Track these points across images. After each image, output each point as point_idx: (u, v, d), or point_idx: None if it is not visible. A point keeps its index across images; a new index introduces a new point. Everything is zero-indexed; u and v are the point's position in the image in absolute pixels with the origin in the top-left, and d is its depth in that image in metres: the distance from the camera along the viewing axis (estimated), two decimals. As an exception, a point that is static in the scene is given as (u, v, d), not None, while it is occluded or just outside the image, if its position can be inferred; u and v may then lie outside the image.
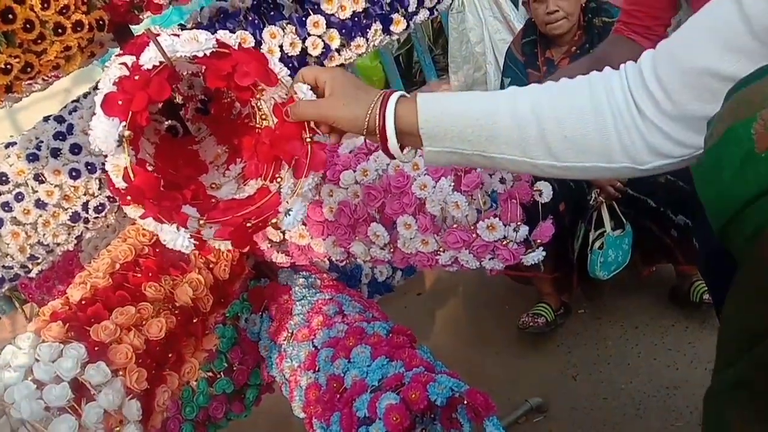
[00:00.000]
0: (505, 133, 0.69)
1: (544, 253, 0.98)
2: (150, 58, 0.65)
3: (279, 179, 0.72)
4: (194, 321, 1.01)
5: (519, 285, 2.42)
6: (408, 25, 1.36)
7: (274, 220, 0.70)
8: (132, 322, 0.88)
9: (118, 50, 1.29)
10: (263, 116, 0.78)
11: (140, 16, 1.12)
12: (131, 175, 0.65)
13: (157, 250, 1.03)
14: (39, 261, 1.18)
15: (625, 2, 1.22)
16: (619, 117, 0.64)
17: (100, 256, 1.00)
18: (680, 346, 2.01)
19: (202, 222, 0.68)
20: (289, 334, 1.16)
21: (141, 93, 0.62)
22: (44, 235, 1.13)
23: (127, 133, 0.63)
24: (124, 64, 0.68)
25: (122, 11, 1.06)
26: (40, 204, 1.11)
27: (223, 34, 0.73)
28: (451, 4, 1.52)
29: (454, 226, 0.96)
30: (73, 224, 1.14)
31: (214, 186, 0.83)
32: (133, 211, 0.68)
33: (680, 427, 1.76)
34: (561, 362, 2.15)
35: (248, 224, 0.68)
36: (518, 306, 2.43)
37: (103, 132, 0.65)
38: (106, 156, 0.92)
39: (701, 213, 1.32)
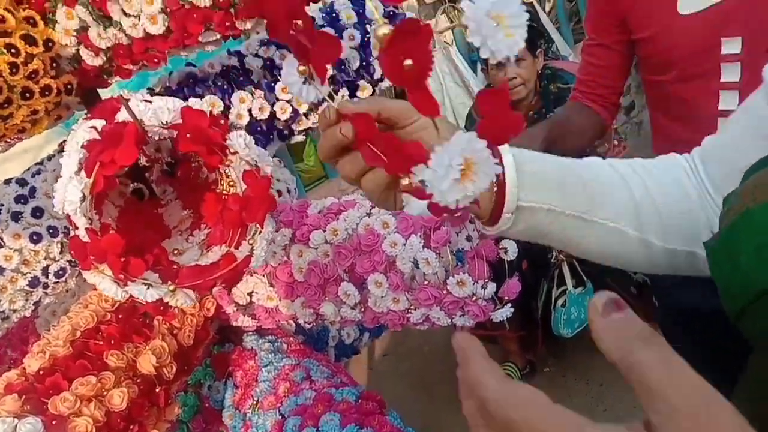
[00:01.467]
0: (618, 195, 0.58)
1: (512, 310, 0.99)
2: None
3: (251, 242, 0.72)
4: (157, 390, 0.97)
5: (484, 344, 2.42)
6: (373, 91, 1.40)
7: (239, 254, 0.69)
8: (93, 393, 0.84)
9: (84, 113, 1.30)
10: (231, 183, 0.79)
11: (109, 81, 1.13)
12: (97, 233, 0.63)
13: (120, 316, 1.00)
14: (-8, 329, 1.13)
15: (579, 71, 1.29)
16: (704, 202, 0.59)
17: (60, 323, 0.97)
18: (645, 403, 2.02)
19: (171, 288, 0.66)
20: (255, 402, 1.13)
21: (108, 152, 0.62)
22: (0, 301, 1.09)
23: (87, 188, 0.62)
24: (94, 127, 0.68)
25: (91, 76, 1.06)
26: (-4, 269, 1.07)
27: (193, 102, 0.74)
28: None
29: (425, 283, 0.96)
30: (31, 289, 1.10)
31: (176, 252, 0.82)
32: (93, 277, 0.66)
33: (649, 487, 1.76)
34: (529, 422, 2.13)
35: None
36: (485, 365, 2.43)
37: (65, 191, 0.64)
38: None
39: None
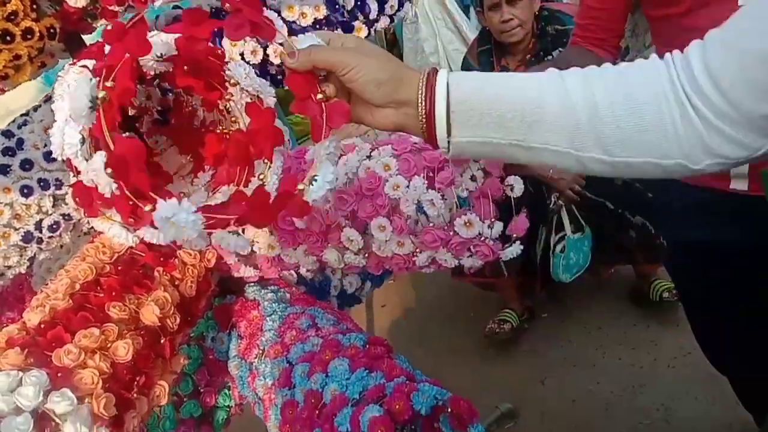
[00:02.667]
0: (552, 119, 0.60)
1: (521, 247, 0.98)
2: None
3: (261, 178, 0.68)
4: (161, 341, 0.95)
5: (483, 292, 2.43)
6: (369, 33, 1.35)
7: (301, 186, 0.64)
8: (96, 345, 0.82)
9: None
10: (233, 119, 0.75)
11: (93, 24, 1.08)
12: (110, 143, 0.58)
13: (119, 268, 0.97)
14: (-13, 286, 1.10)
15: (577, 16, 1.24)
16: (676, 111, 0.57)
17: (58, 276, 0.94)
18: (643, 345, 2.05)
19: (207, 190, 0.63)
20: (261, 351, 1.12)
21: (117, 45, 0.57)
22: (-7, 258, 1.06)
23: (101, 94, 0.58)
24: (85, 67, 0.64)
25: (74, 19, 1.01)
26: (-13, 225, 1.04)
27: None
28: (407, 12, 1.52)
29: (430, 225, 0.94)
30: (25, 245, 1.07)
31: (183, 195, 0.79)
32: (101, 223, 0.63)
33: (648, 425, 1.79)
34: (528, 367, 2.16)
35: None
36: (483, 313, 2.44)
37: (70, 94, 0.60)
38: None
39: (664, 211, 1.32)
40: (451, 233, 0.94)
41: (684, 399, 1.79)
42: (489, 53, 2.04)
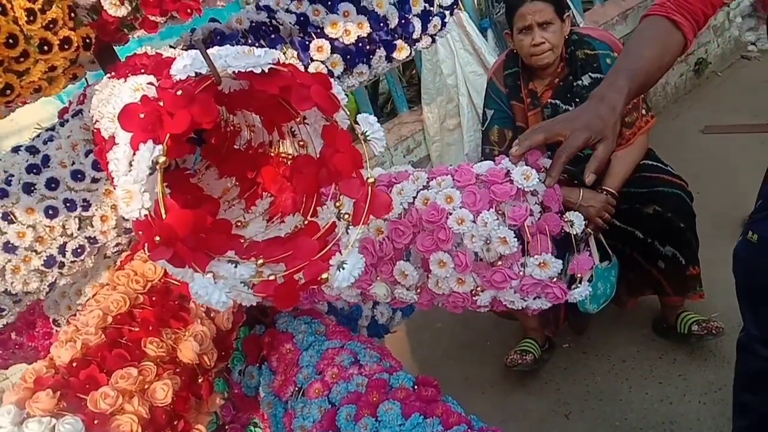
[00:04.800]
0: None
1: (590, 288, 0.91)
2: (184, 66, 0.53)
3: (339, 208, 0.61)
4: (199, 380, 0.87)
5: (499, 320, 2.36)
6: (410, 53, 1.30)
7: (325, 275, 0.59)
8: (135, 387, 0.74)
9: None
10: (301, 143, 0.68)
11: (128, 35, 1.01)
12: (163, 210, 0.53)
13: (154, 298, 0.89)
14: (4, 313, 1.02)
15: None
16: None
17: (87, 307, 0.86)
18: (671, 379, 1.98)
19: (260, 263, 0.56)
20: (298, 389, 1.04)
21: (183, 112, 0.51)
22: (12, 283, 0.97)
23: (162, 159, 0.52)
24: (151, 83, 0.57)
25: (111, 29, 0.94)
26: (8, 247, 0.95)
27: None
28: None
29: (499, 263, 0.87)
30: (46, 270, 0.99)
31: (239, 224, 0.72)
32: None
33: (683, 465, 1.72)
34: (551, 400, 2.08)
35: (299, 278, 0.57)
36: (500, 341, 2.37)
37: (127, 156, 0.53)
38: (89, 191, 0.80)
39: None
40: (521, 273, 0.87)
41: (718, 438, 1.72)
42: (516, 76, 2.00)
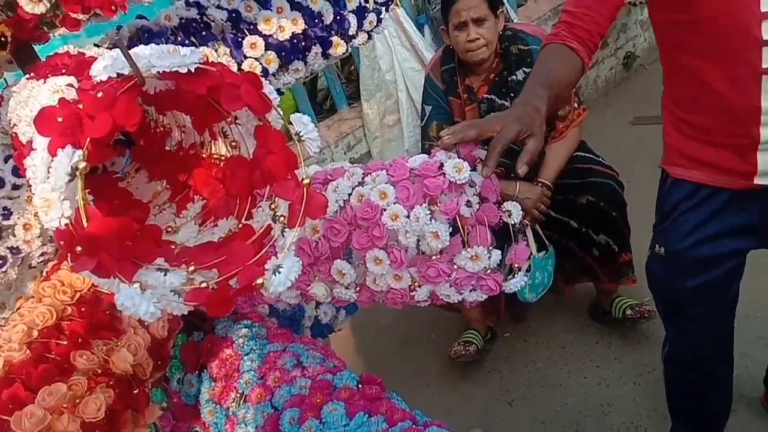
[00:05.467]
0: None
1: (526, 278, 0.93)
2: (105, 67, 0.51)
3: (274, 210, 0.60)
4: (135, 391, 0.84)
5: (442, 313, 2.38)
6: (347, 49, 1.29)
7: (261, 280, 0.57)
8: (64, 403, 0.71)
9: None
10: (233, 143, 0.66)
11: (49, 34, 0.96)
12: (84, 219, 0.50)
13: (83, 309, 0.85)
14: None
15: (570, 3, 1.17)
16: None
17: (10, 322, 0.82)
18: (607, 363, 2.06)
19: (191, 270, 0.54)
20: (239, 395, 1.02)
21: (104, 115, 0.48)
22: (-74, 299, 0.91)
23: (82, 164, 0.49)
24: (71, 85, 0.54)
25: (29, 27, 0.89)
26: None
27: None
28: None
29: (433, 258, 0.88)
30: (-35, 283, 0.93)
31: (170, 229, 0.70)
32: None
33: (620, 445, 1.79)
34: (495, 389, 2.13)
35: (232, 284, 0.55)
36: (444, 334, 2.40)
37: (45, 162, 0.51)
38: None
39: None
40: (455, 267, 0.88)
41: (652, 416, 1.79)
42: (453, 72, 2.02)
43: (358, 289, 0.97)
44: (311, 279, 0.98)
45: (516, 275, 0.94)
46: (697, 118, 1.13)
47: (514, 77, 1.94)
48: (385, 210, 0.88)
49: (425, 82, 2.10)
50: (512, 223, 0.97)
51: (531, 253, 0.95)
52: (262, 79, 0.56)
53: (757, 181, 1.08)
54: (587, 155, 2.06)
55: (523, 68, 1.94)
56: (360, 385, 0.97)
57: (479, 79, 2.00)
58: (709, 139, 1.12)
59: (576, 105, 2.01)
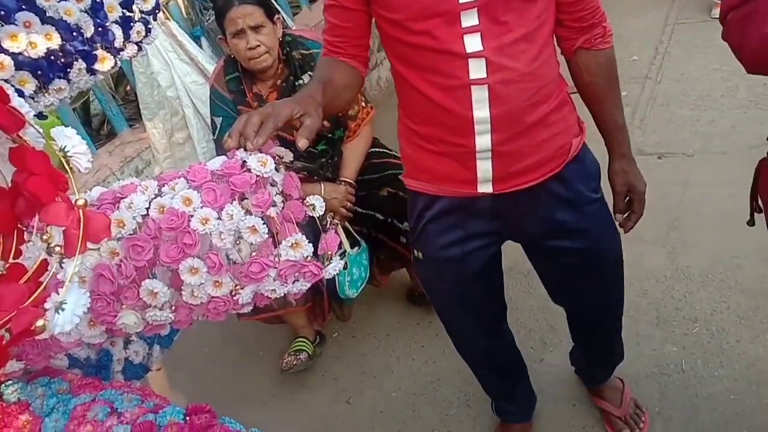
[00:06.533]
0: None
1: (342, 263, 0.95)
2: None
3: (48, 241, 0.51)
4: None
5: (267, 327, 2.33)
6: (115, 63, 1.18)
7: (41, 322, 0.49)
8: None
9: None
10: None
11: None
12: None
13: None
14: None
15: (325, 33, 1.23)
16: None
17: None
18: (431, 340, 2.18)
19: None
20: (46, 463, 0.89)
21: None
22: None
23: None
24: None
25: None
26: None
27: None
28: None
29: (253, 254, 0.85)
30: None
31: None
32: None
33: (454, 414, 1.90)
34: (331, 390, 2.13)
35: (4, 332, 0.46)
36: (273, 348, 2.35)
37: None
38: None
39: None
40: (276, 259, 0.86)
41: (476, 381, 1.93)
42: (239, 81, 1.97)
43: (173, 308, 0.90)
44: (117, 309, 0.88)
45: (332, 261, 0.95)
46: (422, 128, 1.19)
47: (300, 81, 1.95)
48: (192, 215, 0.83)
49: (211, 94, 2.03)
50: (317, 215, 0.97)
51: (340, 240, 0.96)
52: (9, 91, 0.48)
53: (480, 189, 1.17)
54: (381, 150, 2.16)
55: (309, 72, 1.97)
56: (188, 417, 0.90)
57: (266, 85, 1.99)
58: (435, 148, 1.18)
59: (364, 104, 2.09)
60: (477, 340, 1.52)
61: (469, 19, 1.04)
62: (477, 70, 1.06)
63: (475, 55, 1.06)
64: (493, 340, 1.54)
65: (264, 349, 2.39)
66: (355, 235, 2.07)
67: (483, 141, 1.12)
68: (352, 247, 2.06)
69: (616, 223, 1.35)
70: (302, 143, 0.93)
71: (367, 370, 2.16)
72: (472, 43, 1.05)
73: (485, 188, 1.17)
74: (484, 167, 1.15)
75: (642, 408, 1.72)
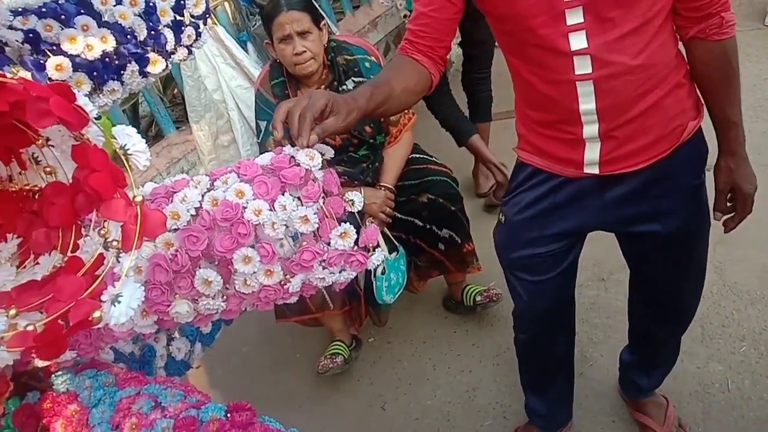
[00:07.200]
0: None
1: (384, 253, 0.96)
2: None
3: (105, 236, 0.53)
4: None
5: (305, 330, 2.35)
6: (167, 66, 1.22)
7: (98, 314, 0.51)
8: None
9: None
10: (48, 170, 0.59)
11: None
12: None
13: None
14: None
15: (410, 22, 1.23)
16: None
17: None
18: (467, 350, 2.16)
19: (12, 314, 0.46)
20: (92, 452, 0.91)
21: None
22: None
23: None
24: None
25: None
26: None
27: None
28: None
29: (304, 243, 0.87)
30: None
31: (-20, 275, 0.60)
32: None
33: (489, 425, 1.88)
34: (366, 395, 2.13)
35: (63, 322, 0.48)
36: (310, 351, 2.36)
37: None
38: None
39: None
40: (326, 247, 0.88)
41: (513, 392, 1.91)
42: (284, 86, 2.00)
43: (224, 297, 0.92)
44: (171, 299, 0.91)
45: (375, 252, 0.96)
46: (534, 113, 1.22)
47: (344, 87, 1.97)
48: (246, 207, 0.86)
49: (256, 98, 2.06)
50: (356, 210, 0.99)
51: (379, 233, 0.98)
52: (75, 90, 0.50)
53: (586, 170, 1.19)
54: (421, 156, 2.16)
55: (352, 78, 1.98)
56: (229, 414, 0.91)
57: (311, 90, 2.01)
58: (546, 132, 1.21)
59: (406, 110, 2.09)
60: (535, 322, 1.49)
61: (574, 17, 1.04)
62: (582, 66, 1.07)
63: (580, 52, 1.06)
64: (554, 318, 1.49)
65: (300, 351, 2.41)
66: (394, 241, 2.07)
67: (590, 129, 1.13)
68: (390, 252, 2.06)
69: (711, 215, 1.32)
70: (311, 139, 0.93)
71: (403, 376, 2.16)
72: (577, 40, 1.05)
73: (592, 170, 1.19)
74: (592, 151, 1.16)
75: (686, 428, 1.67)
